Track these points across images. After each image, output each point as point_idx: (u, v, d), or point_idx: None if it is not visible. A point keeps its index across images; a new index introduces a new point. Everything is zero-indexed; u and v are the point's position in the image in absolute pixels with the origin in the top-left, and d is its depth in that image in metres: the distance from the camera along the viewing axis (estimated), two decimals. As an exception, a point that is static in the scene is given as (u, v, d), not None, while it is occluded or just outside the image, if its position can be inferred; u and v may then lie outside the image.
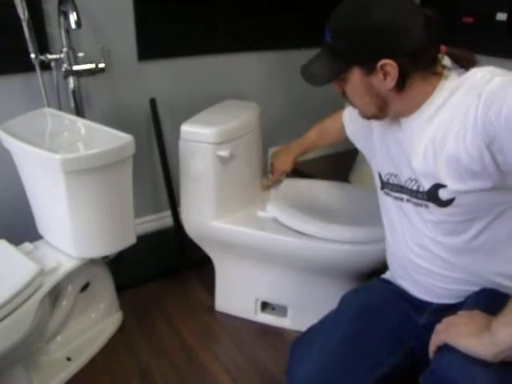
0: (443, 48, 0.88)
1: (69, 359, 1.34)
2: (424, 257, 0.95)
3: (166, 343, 1.45)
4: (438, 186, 0.86)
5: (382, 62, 0.82)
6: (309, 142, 1.45)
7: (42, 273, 1.14)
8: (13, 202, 1.49)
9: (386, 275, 1.11)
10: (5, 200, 1.54)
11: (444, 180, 0.84)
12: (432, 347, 0.80)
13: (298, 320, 1.48)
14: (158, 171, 1.82)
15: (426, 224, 0.92)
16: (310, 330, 1.04)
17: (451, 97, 0.83)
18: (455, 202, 0.85)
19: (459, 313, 0.81)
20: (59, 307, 1.33)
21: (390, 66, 0.82)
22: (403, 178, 0.95)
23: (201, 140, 1.31)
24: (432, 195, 0.87)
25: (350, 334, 0.96)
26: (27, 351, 1.21)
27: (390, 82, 0.84)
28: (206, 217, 1.39)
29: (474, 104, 0.78)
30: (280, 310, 1.53)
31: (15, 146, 1.19)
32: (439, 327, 0.80)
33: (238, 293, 1.54)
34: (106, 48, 1.56)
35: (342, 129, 1.25)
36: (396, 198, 0.98)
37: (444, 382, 0.73)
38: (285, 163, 1.48)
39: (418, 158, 0.87)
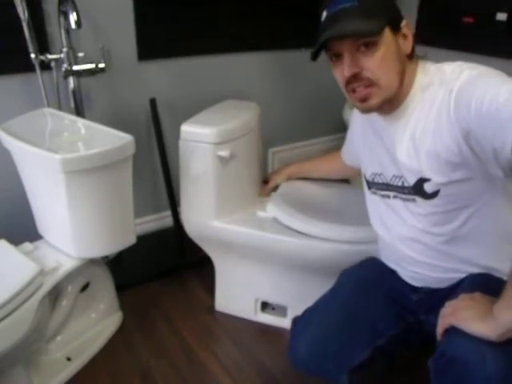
0: None
1: (69, 359, 1.34)
2: (415, 249, 0.97)
3: (166, 343, 1.45)
4: (422, 180, 0.88)
5: (404, 21, 0.86)
6: (307, 165, 1.52)
7: (42, 273, 1.14)
8: (13, 202, 1.49)
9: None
10: (5, 200, 1.54)
11: (427, 174, 0.87)
12: (439, 330, 0.82)
13: (298, 320, 1.48)
14: (158, 171, 1.82)
15: (415, 217, 0.94)
16: (310, 307, 1.06)
17: (425, 93, 0.86)
18: (440, 194, 0.87)
19: (461, 296, 0.82)
20: (59, 307, 1.33)
21: (408, 27, 0.86)
22: (388, 176, 0.97)
23: (201, 140, 1.31)
24: (418, 189, 0.90)
25: (349, 304, 1.00)
26: (27, 351, 1.21)
27: (408, 46, 0.87)
28: (206, 217, 1.39)
29: (446, 99, 0.81)
30: (280, 310, 1.53)
31: (15, 146, 1.19)
32: (444, 311, 0.82)
33: (237, 293, 1.54)
34: (106, 48, 1.56)
35: (342, 164, 1.35)
36: (383, 196, 1.01)
37: (455, 362, 0.75)
38: (278, 175, 1.54)
39: (402, 154, 0.90)
